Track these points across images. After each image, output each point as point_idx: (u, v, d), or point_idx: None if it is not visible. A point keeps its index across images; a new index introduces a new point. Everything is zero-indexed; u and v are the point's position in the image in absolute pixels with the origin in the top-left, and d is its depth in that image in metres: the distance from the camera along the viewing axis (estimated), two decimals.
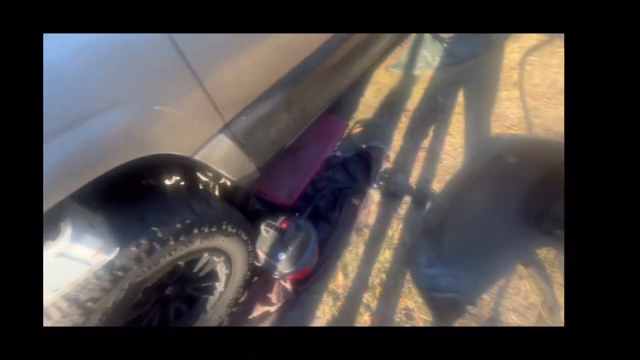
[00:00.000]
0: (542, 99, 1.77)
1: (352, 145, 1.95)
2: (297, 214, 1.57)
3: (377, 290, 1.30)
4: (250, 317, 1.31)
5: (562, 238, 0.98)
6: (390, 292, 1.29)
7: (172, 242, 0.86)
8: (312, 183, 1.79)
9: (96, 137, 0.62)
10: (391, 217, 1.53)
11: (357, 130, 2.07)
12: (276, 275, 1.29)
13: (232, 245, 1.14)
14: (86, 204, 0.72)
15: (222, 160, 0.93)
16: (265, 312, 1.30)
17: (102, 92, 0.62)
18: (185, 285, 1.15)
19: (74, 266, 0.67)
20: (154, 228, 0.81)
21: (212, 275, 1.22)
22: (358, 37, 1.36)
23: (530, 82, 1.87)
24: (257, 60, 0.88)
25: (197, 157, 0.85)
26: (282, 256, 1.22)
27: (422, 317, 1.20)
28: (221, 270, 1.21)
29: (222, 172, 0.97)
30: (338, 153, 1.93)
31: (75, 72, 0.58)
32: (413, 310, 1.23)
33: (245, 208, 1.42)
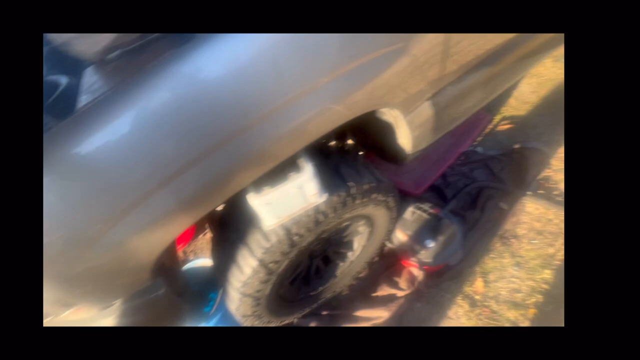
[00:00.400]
0: None
1: (497, 143, 1.71)
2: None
3: (531, 312, 1.12)
4: (374, 294, 1.31)
5: None
6: (548, 318, 1.09)
7: (357, 200, 0.87)
8: (443, 176, 1.65)
9: (345, 89, 0.63)
10: (552, 233, 1.29)
11: (504, 127, 1.80)
12: (412, 261, 1.23)
13: (384, 219, 1.12)
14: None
15: (416, 129, 0.89)
16: (391, 295, 1.27)
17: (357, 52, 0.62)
18: (328, 246, 1.20)
19: (300, 200, 0.72)
20: (350, 184, 0.83)
21: (349, 244, 1.24)
22: None
23: None
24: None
25: (406, 120, 0.82)
26: (430, 244, 1.15)
27: None
28: (359, 241, 1.22)
29: (406, 141, 0.94)
30: (478, 149, 1.72)
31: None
32: None
33: None
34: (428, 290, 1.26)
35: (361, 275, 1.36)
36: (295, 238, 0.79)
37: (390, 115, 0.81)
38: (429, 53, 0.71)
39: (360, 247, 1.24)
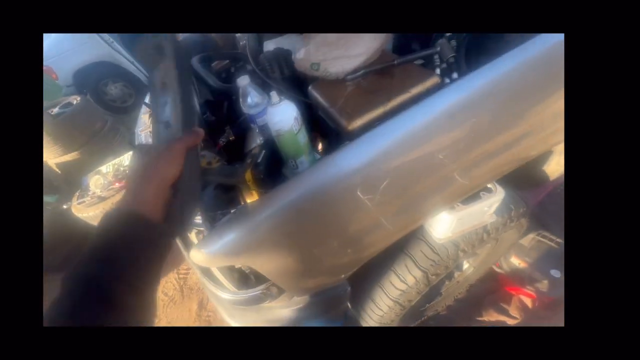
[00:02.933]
0: None
1: None
2: None
3: None
4: (479, 318, 1.28)
5: None
6: None
7: (512, 223, 0.88)
8: (540, 203, 1.60)
9: None
10: None
11: None
12: (528, 289, 1.20)
13: (509, 242, 1.11)
14: None
15: None
16: (500, 321, 1.24)
17: None
18: None
19: (478, 218, 0.75)
20: (511, 206, 0.85)
21: (459, 264, 1.24)
22: None
23: None
24: None
25: None
26: (558, 274, 1.12)
27: None
28: (472, 262, 1.22)
29: (556, 167, 0.94)
30: None
31: None
32: None
33: None
34: (540, 322, 1.21)
35: (459, 296, 1.34)
36: (460, 253, 0.81)
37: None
38: None
39: (471, 268, 1.23)
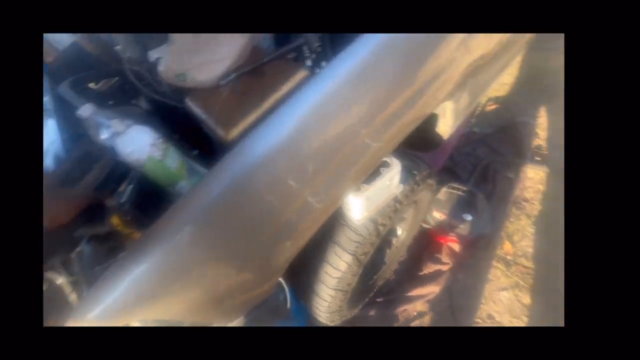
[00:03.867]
0: None
1: (489, 122, 1.92)
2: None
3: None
4: (420, 273, 1.42)
5: None
6: None
7: (420, 186, 0.97)
8: (450, 157, 1.82)
9: None
10: (556, 194, 1.50)
11: (491, 107, 2.03)
12: (451, 236, 1.36)
13: (426, 202, 1.23)
14: None
15: (457, 115, 1.01)
16: (437, 270, 1.39)
17: None
18: None
19: (386, 192, 0.80)
20: (414, 172, 0.93)
21: (393, 231, 1.34)
22: None
23: None
24: None
25: (453, 108, 0.93)
26: (469, 217, 1.29)
27: None
28: (403, 226, 1.32)
29: (445, 128, 1.06)
30: (475, 129, 1.92)
31: None
32: None
33: None
34: (467, 261, 1.40)
35: (402, 259, 1.47)
36: (380, 228, 0.86)
37: (442, 106, 0.91)
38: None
39: (404, 232, 1.34)
